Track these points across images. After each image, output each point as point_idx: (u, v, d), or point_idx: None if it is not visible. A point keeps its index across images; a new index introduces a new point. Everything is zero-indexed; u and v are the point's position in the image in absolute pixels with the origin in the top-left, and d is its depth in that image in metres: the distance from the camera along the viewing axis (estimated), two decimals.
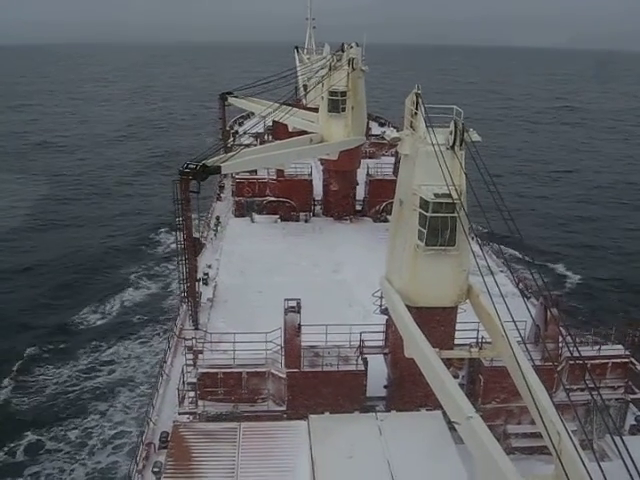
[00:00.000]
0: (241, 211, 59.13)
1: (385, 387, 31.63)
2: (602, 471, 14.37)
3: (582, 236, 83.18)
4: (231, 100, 69.33)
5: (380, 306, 30.71)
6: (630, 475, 13.30)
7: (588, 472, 15.12)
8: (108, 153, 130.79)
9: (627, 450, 14.03)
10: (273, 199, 58.58)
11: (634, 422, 32.63)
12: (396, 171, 55.39)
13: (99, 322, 60.18)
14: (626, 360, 31.27)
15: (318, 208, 60.45)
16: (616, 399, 31.19)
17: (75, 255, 75.30)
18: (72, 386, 49.41)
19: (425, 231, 26.35)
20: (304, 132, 58.74)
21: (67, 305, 63.09)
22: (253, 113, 75.06)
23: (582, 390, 27.95)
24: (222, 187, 69.29)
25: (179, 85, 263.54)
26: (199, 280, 41.91)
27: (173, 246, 72.58)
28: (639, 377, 31.87)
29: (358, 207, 60.54)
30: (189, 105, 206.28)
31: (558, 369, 28.98)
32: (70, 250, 76.44)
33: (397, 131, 29.21)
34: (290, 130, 66.09)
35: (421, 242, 26.62)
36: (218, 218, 59.06)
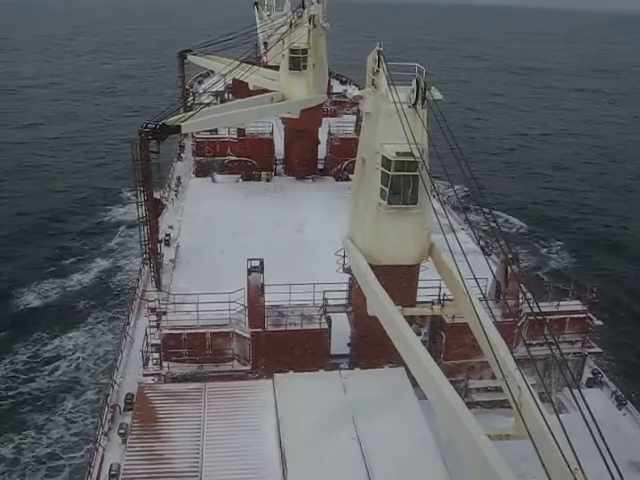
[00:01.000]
0: (202, 171, 58.53)
1: (349, 345, 31.92)
2: (561, 423, 14.74)
3: (544, 194, 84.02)
4: (190, 58, 68.18)
5: (343, 265, 30.80)
6: (588, 426, 13.63)
7: (547, 424, 15.48)
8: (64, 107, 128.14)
9: (585, 402, 14.36)
10: (234, 159, 58.05)
11: (591, 375, 33.51)
12: (358, 130, 55.31)
13: (41, 305, 54.14)
14: (583, 315, 31.92)
15: (280, 167, 60.15)
16: (574, 353, 31.93)
17: (15, 218, 71.19)
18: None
19: (387, 190, 26.38)
20: (265, 90, 58.13)
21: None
22: (213, 71, 73.84)
23: (541, 345, 28.49)
24: (182, 147, 68.43)
25: (137, 42, 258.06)
26: (161, 241, 41.56)
27: (123, 217, 71.75)
28: (596, 332, 32.63)
29: (320, 166, 60.35)
30: (148, 62, 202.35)
31: (518, 325, 29.49)
32: (8, 211, 72.67)
33: (359, 89, 29.04)
34: (251, 88, 65.21)
35: (383, 201, 26.66)
36: (179, 178, 58.43)
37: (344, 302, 31.93)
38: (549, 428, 15.26)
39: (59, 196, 79.47)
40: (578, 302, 32.36)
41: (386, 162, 26.00)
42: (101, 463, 26.55)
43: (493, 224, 24.31)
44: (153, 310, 30.97)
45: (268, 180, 58.26)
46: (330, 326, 30.14)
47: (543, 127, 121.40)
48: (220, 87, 70.13)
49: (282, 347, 29.62)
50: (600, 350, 33.29)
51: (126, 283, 55.59)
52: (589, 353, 32.69)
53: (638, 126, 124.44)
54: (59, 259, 62.70)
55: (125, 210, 72.64)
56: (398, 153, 25.46)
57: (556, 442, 14.80)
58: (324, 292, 30.51)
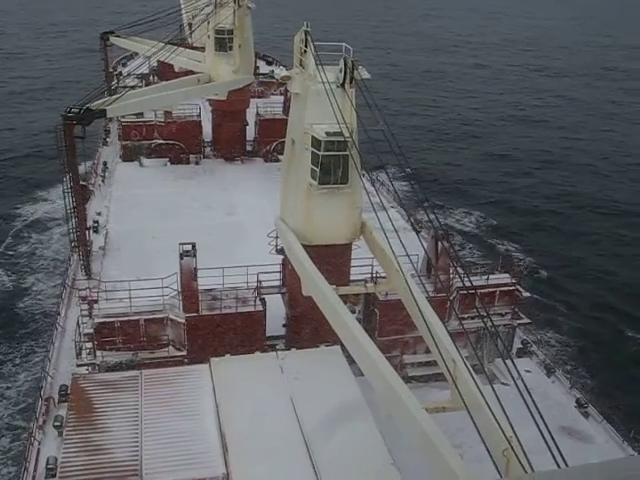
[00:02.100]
0: (129, 155, 57.37)
1: (284, 326, 32.05)
2: (495, 393, 15.17)
3: (472, 172, 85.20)
4: (113, 40, 66.51)
5: (276, 246, 30.84)
6: (521, 394, 14.06)
7: (482, 394, 15.89)
8: None
9: (517, 371, 14.82)
10: (162, 142, 57.05)
11: (521, 345, 34.56)
12: (286, 110, 55.18)
13: None
14: (512, 288, 32.81)
15: (208, 150, 59.49)
16: (504, 325, 32.82)
17: None
18: None
19: (318, 170, 26.49)
20: (191, 72, 57.20)
21: None
22: (137, 53, 72.32)
23: (473, 318, 29.21)
24: (108, 131, 66.91)
25: (59, 23, 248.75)
26: (89, 228, 40.76)
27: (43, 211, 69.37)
28: (524, 304, 33.59)
29: (249, 147, 60.00)
30: (70, 43, 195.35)
31: (450, 299, 30.10)
32: None
33: (286, 70, 28.95)
34: (176, 70, 64.21)
35: (314, 181, 26.75)
36: (105, 163, 57.23)
37: (278, 283, 31.98)
38: (484, 399, 15.68)
39: None
40: (507, 275, 33.22)
41: (316, 142, 26.06)
42: (37, 457, 26.06)
43: (423, 202, 24.65)
44: (84, 299, 30.42)
45: (197, 163, 57.59)
46: (265, 308, 30.18)
47: (476, 102, 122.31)
48: (145, 69, 68.75)
49: (217, 331, 29.53)
50: (529, 321, 34.33)
51: (36, 309, 48.00)
52: (519, 324, 33.64)
53: (564, 99, 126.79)
54: None
55: (35, 209, 66.30)
56: (328, 133, 25.55)
57: (491, 412, 15.22)
58: (258, 274, 30.49)
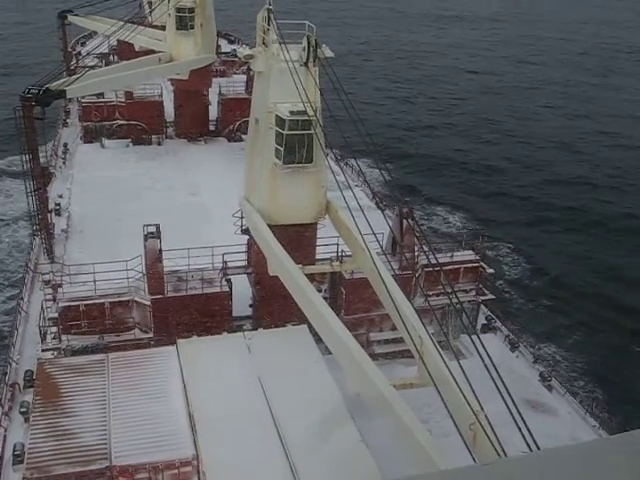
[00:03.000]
0: (90, 136, 56.55)
1: (251, 306, 32.03)
2: (462, 368, 15.38)
3: (434, 148, 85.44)
4: (71, 19, 65.36)
5: (241, 226, 30.74)
6: (487, 369, 14.27)
7: (449, 370, 16.11)
8: None
9: (483, 346, 15.01)
10: (123, 122, 56.33)
11: (485, 321, 35.02)
12: (249, 89, 54.75)
13: None
14: (477, 265, 33.17)
15: (171, 130, 58.91)
16: (469, 301, 33.17)
17: None
18: None
19: (282, 149, 26.43)
20: (152, 52, 56.53)
21: None
22: (96, 32, 71.11)
23: (438, 295, 29.49)
24: (68, 112, 65.84)
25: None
26: (51, 211, 40.21)
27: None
28: (488, 280, 33.99)
29: (212, 127, 59.55)
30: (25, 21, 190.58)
31: (416, 276, 30.32)
32: None
33: (249, 48, 28.73)
34: (137, 50, 63.31)
35: (278, 160, 26.70)
36: (66, 145, 56.39)
37: (244, 264, 31.91)
38: (451, 374, 15.88)
39: None
40: (471, 252, 33.55)
41: (280, 121, 25.97)
42: (4, 443, 25.83)
43: (388, 181, 24.75)
44: (48, 283, 30.10)
45: (159, 144, 57.02)
46: (231, 288, 30.13)
47: (445, 79, 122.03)
48: (104, 49, 67.65)
49: (184, 312, 29.43)
50: (492, 297, 34.74)
51: None
52: (482, 300, 34.05)
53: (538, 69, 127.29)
54: None
55: None
56: (292, 112, 25.47)
57: (458, 387, 15.43)
58: (223, 254, 30.37)
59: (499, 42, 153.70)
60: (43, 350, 28.91)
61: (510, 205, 68.86)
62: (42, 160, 38.57)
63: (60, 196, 45.17)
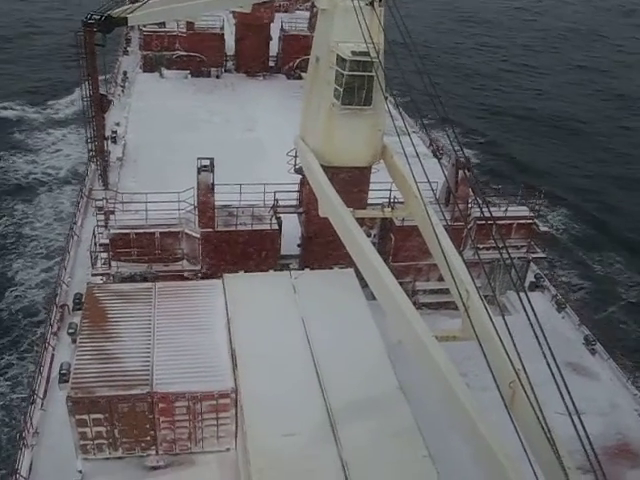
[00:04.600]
0: (149, 66, 56.64)
1: (299, 246, 32.04)
2: (506, 324, 15.12)
3: (498, 100, 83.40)
4: None
5: (294, 165, 30.57)
6: (532, 327, 14.00)
7: (494, 325, 15.87)
8: None
9: (530, 303, 14.69)
10: (183, 54, 56.24)
11: (533, 279, 34.51)
12: (311, 26, 53.90)
13: None
14: (530, 221, 32.53)
15: (230, 64, 58.57)
16: (519, 258, 32.66)
17: None
18: None
19: (341, 90, 25.97)
20: None
21: None
22: None
23: (488, 249, 29.07)
24: (129, 40, 65.90)
25: None
26: (107, 138, 40.51)
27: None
28: (540, 238, 33.34)
29: (271, 63, 58.98)
30: None
31: (467, 228, 29.89)
32: None
33: None
34: None
35: (337, 101, 26.28)
36: (125, 73, 56.56)
37: (295, 203, 31.82)
38: (496, 330, 15.64)
39: None
40: (525, 208, 32.89)
41: (341, 61, 25.46)
42: (51, 362, 26.61)
43: (447, 129, 24.14)
44: (101, 209, 30.46)
45: (218, 77, 56.83)
46: (280, 227, 30.15)
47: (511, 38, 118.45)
48: None
49: (232, 247, 29.61)
50: (544, 255, 34.16)
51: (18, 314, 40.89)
52: (533, 258, 33.48)
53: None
54: None
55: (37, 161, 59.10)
56: (354, 52, 24.93)
57: (502, 343, 15.20)
58: (275, 192, 30.31)
59: None
60: (93, 275, 29.49)
61: (574, 161, 67.02)
62: (101, 87, 38.67)
63: (117, 124, 45.49)
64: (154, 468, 21.99)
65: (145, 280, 28.14)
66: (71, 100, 68.33)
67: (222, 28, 56.90)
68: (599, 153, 69.08)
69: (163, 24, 54.95)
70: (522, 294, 16.30)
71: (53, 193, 53.14)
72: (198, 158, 28.61)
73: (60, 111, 68.54)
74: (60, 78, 75.02)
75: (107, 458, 21.90)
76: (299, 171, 30.20)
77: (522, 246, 32.68)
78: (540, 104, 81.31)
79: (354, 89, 25.91)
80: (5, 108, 68.42)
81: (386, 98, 26.16)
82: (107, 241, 28.92)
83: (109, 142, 40.99)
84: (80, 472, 21.41)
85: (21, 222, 49.37)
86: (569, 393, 12.87)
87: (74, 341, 25.76)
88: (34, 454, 23.00)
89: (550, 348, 13.76)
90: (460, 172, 29.91)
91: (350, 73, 25.39)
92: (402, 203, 27.07)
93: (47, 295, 38.37)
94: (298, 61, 56.19)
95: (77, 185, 45.98)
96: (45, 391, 25.51)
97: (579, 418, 12.38)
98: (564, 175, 63.55)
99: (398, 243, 30.76)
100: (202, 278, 28.93)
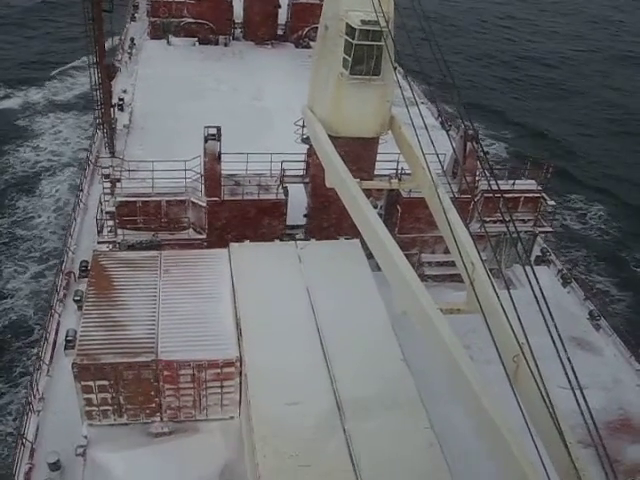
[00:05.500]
0: (157, 33, 56.09)
1: (305, 216, 31.98)
2: (511, 298, 15.10)
3: (508, 72, 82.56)
4: None
5: (302, 135, 30.39)
6: (537, 300, 13.98)
7: (499, 298, 15.84)
8: None
9: (535, 277, 14.66)
10: (191, 20, 55.56)
11: (539, 253, 34.42)
12: None
13: None
14: (538, 195, 32.35)
15: (238, 31, 57.92)
16: (525, 231, 32.55)
17: None
18: None
19: (350, 59, 25.70)
20: None
21: None
22: None
23: (495, 222, 28.97)
24: (136, 6, 65.18)
25: None
26: (114, 106, 40.30)
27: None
28: (548, 212, 33.19)
29: (280, 32, 58.37)
30: None
31: (474, 201, 29.77)
32: None
33: None
34: None
35: (345, 70, 26.02)
36: (133, 40, 56.04)
37: (302, 173, 31.70)
38: (501, 304, 15.61)
39: None
40: (533, 181, 32.70)
41: (350, 30, 25.16)
42: (57, 329, 26.77)
43: (455, 100, 23.92)
44: (107, 177, 30.39)
45: (226, 45, 56.22)
46: (287, 196, 30.06)
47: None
48: None
49: (238, 216, 29.59)
50: (551, 229, 34.03)
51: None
52: (540, 232, 33.36)
53: None
54: None
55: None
56: (363, 21, 24.62)
57: (506, 317, 15.18)
58: (282, 162, 30.18)
59: None
60: (99, 242, 29.54)
61: (586, 135, 66.37)
62: (108, 54, 38.41)
63: (124, 91, 45.18)
64: (158, 435, 22.27)
65: (151, 248, 28.17)
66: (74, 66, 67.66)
67: None
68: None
69: None
70: (528, 268, 16.24)
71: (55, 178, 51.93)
72: (205, 126, 28.46)
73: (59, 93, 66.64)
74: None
75: (112, 424, 22.16)
76: (306, 141, 30.03)
77: (529, 219, 32.54)
78: (563, 76, 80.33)
79: (363, 58, 25.65)
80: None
81: (395, 68, 25.88)
82: (113, 209, 28.92)
83: (116, 109, 40.76)
84: (85, 437, 21.66)
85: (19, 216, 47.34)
86: (572, 368, 12.89)
87: (80, 308, 25.87)
88: (40, 419, 23.21)
89: (555, 322, 13.75)
90: (468, 144, 29.74)
91: (359, 42, 25.10)
92: (409, 175, 26.93)
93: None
94: (307, 30, 55.57)
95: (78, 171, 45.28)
96: (51, 357, 25.69)
97: (582, 392, 12.41)
98: (579, 148, 63.04)
99: (404, 215, 30.68)
100: (208, 247, 28.93)
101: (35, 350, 28.87)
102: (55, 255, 38.03)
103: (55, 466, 21.00)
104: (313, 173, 30.11)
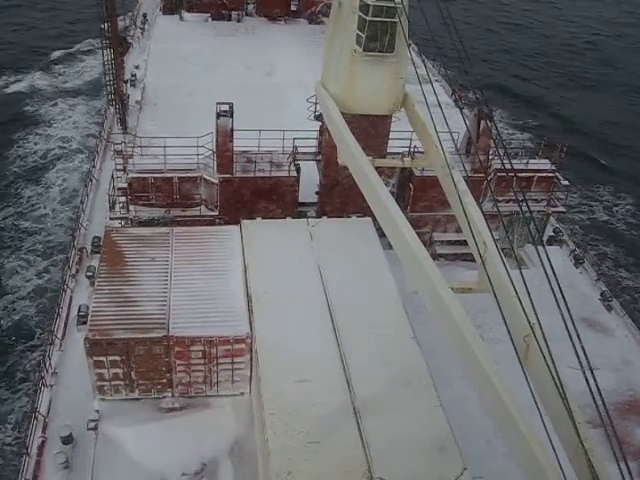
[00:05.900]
0: (170, 8, 55.88)
1: (317, 194, 31.90)
2: (523, 278, 15.01)
3: (523, 47, 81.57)
4: None
5: (314, 112, 30.23)
6: (548, 280, 13.90)
7: (510, 278, 15.76)
8: None
9: (547, 257, 14.56)
10: None
11: (552, 233, 34.21)
12: None
13: None
14: (551, 175, 32.10)
15: (251, 7, 57.65)
16: (538, 211, 32.34)
17: None
18: None
19: (363, 36, 25.47)
20: None
21: None
22: None
23: (507, 201, 28.78)
24: None
25: None
26: (126, 81, 40.24)
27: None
28: (561, 192, 32.95)
29: (293, 7, 57.99)
30: None
31: (487, 180, 29.57)
32: None
33: None
34: None
35: (359, 47, 25.80)
36: (145, 15, 55.90)
37: (314, 150, 31.57)
38: (512, 283, 15.54)
39: None
40: (547, 161, 32.46)
41: (364, 6, 24.92)
42: (70, 304, 26.92)
43: (470, 78, 23.70)
44: (119, 153, 30.40)
45: (238, 20, 55.99)
46: (299, 174, 29.98)
47: None
48: None
49: (250, 193, 29.55)
50: (564, 210, 33.78)
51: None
52: (553, 212, 33.14)
53: None
54: None
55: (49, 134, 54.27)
56: None
57: (518, 297, 15.12)
58: (294, 139, 30.07)
59: None
60: (111, 219, 29.59)
61: (614, 124, 65.44)
62: (120, 29, 38.27)
63: (136, 67, 45.12)
64: (169, 410, 22.45)
65: (163, 225, 28.22)
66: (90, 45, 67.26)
67: None
68: None
69: None
70: (540, 248, 16.14)
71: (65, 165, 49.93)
72: (217, 103, 28.35)
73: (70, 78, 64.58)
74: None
75: (123, 399, 22.34)
76: (319, 118, 29.88)
77: (542, 199, 32.32)
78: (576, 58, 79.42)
79: (377, 35, 25.42)
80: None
81: (409, 45, 25.64)
82: (125, 185, 28.91)
83: (128, 85, 40.68)
84: (97, 412, 21.86)
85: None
86: (583, 348, 12.83)
87: (92, 284, 26.00)
88: (53, 393, 23.41)
89: (566, 303, 13.67)
90: (482, 122, 29.49)
91: (373, 19, 24.87)
92: (422, 153, 26.76)
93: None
94: (320, 6, 55.21)
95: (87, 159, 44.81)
96: (64, 332, 25.86)
97: (592, 373, 12.36)
98: (593, 126, 62.41)
99: (417, 193, 30.53)
100: (219, 224, 28.94)
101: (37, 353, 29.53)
102: (60, 250, 37.74)
103: (67, 439, 21.19)
104: (325, 150, 29.97)
